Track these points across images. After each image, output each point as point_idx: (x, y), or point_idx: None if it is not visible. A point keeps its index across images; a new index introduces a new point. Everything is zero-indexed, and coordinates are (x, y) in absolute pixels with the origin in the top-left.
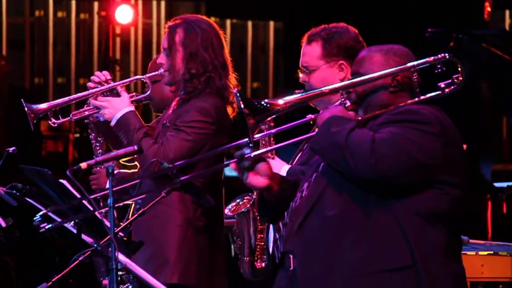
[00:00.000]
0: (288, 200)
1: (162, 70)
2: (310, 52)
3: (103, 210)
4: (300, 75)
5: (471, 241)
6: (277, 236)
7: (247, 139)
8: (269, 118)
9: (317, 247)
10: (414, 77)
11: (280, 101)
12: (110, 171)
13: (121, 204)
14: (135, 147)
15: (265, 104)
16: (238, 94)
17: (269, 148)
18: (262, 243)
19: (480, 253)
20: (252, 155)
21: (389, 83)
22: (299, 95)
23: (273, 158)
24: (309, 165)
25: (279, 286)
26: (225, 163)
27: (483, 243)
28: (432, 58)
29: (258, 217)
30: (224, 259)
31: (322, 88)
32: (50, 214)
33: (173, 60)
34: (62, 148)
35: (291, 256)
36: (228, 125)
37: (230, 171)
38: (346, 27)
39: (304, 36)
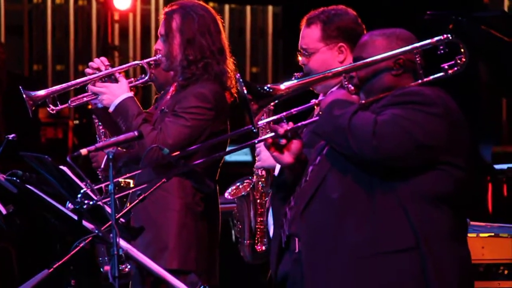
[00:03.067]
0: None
1: (160, 55)
2: (309, 34)
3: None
4: (300, 58)
5: (471, 223)
6: (283, 220)
7: (250, 125)
8: (272, 103)
9: (321, 230)
10: (417, 59)
11: (282, 86)
12: (110, 157)
13: (123, 194)
14: (136, 133)
15: (267, 89)
16: (241, 80)
17: (269, 135)
18: (262, 226)
19: (481, 235)
20: (289, 128)
21: (392, 66)
22: (302, 79)
23: None
24: (314, 149)
25: (284, 269)
26: (259, 139)
27: (484, 225)
28: (434, 39)
29: (258, 200)
30: (218, 243)
31: (325, 72)
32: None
33: (170, 47)
34: (61, 134)
35: (297, 239)
36: (226, 111)
37: (229, 156)
38: (345, 9)
39: (303, 19)
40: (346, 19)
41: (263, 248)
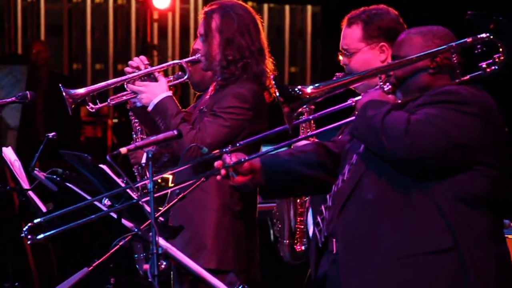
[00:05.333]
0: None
1: (199, 55)
2: (351, 34)
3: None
4: (341, 58)
5: (511, 224)
6: (319, 219)
7: (286, 125)
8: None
9: (358, 231)
10: (454, 58)
11: (309, 89)
12: (149, 156)
13: (162, 193)
14: (175, 132)
15: (298, 92)
16: (274, 82)
17: (310, 133)
18: (302, 226)
19: None
20: (231, 164)
21: (429, 65)
22: (332, 81)
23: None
24: (350, 148)
25: (323, 270)
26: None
27: None
28: (471, 38)
29: (298, 200)
30: (258, 244)
31: (360, 73)
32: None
33: (210, 46)
34: (101, 133)
35: (334, 240)
36: (265, 111)
37: None
38: (386, 8)
39: (344, 18)
40: (387, 19)
41: (302, 248)
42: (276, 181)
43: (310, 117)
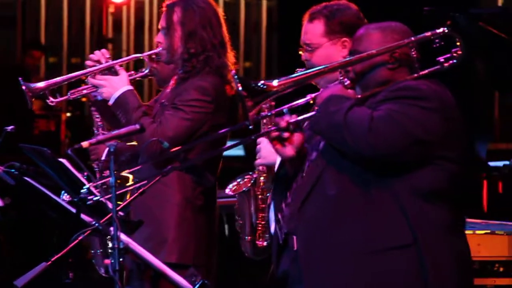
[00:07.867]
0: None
1: (160, 48)
2: (313, 30)
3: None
4: (301, 53)
5: (467, 220)
6: (279, 216)
7: (245, 121)
8: (269, 99)
9: (318, 227)
10: (413, 53)
11: (275, 82)
12: (112, 150)
13: (123, 190)
14: (137, 126)
15: (262, 86)
16: (236, 76)
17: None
18: (264, 222)
19: (477, 232)
20: (291, 121)
21: (387, 59)
22: (295, 75)
23: None
24: (310, 145)
25: (283, 268)
26: (263, 132)
27: (480, 222)
28: (430, 33)
29: (260, 196)
30: (217, 238)
31: (320, 67)
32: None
33: (171, 40)
34: (54, 127)
35: (294, 237)
36: (226, 104)
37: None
38: (347, 4)
39: (305, 14)
40: (349, 14)
41: (265, 244)
42: None
43: (269, 113)
